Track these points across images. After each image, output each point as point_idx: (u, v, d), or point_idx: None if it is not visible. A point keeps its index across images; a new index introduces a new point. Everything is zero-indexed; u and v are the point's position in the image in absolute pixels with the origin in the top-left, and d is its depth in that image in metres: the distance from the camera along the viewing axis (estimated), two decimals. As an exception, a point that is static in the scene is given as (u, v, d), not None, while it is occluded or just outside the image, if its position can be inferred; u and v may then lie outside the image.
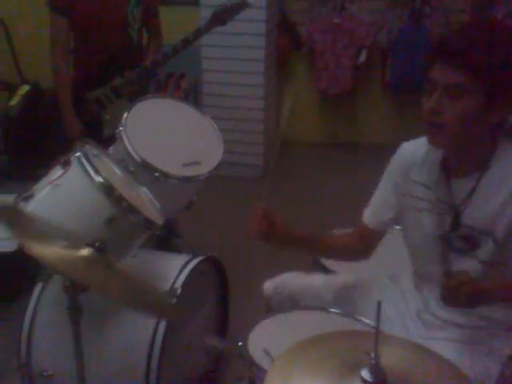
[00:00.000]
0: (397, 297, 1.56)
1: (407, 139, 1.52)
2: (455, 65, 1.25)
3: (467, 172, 1.35)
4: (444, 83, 1.27)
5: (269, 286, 1.65)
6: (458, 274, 1.32)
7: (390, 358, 0.93)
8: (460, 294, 1.29)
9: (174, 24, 3.38)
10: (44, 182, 1.65)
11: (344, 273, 1.70)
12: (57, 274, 1.20)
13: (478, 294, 1.30)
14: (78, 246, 1.18)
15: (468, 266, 1.38)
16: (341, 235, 1.68)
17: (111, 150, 2.01)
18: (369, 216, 1.57)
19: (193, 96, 3.83)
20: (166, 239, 2.55)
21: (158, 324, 1.54)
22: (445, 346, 1.34)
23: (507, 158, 1.33)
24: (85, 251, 1.17)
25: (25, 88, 3.68)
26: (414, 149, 1.45)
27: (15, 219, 1.25)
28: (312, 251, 1.71)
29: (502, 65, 1.24)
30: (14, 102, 3.62)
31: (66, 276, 1.18)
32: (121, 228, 1.54)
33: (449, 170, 1.39)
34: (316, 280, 1.63)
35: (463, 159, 1.36)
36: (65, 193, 1.59)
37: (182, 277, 1.66)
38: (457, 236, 1.37)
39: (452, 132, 1.29)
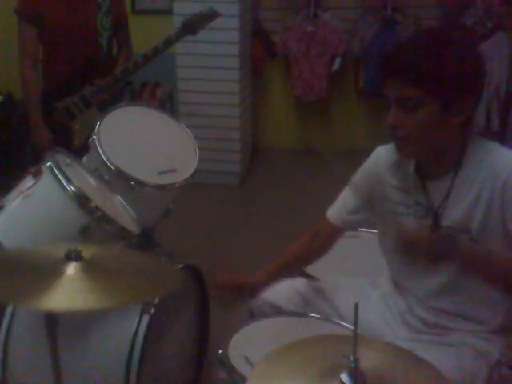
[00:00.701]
0: (378, 301, 1.56)
1: (382, 144, 1.53)
2: (403, 79, 1.27)
3: (441, 174, 1.37)
4: (396, 98, 1.29)
5: None
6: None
7: (370, 361, 0.93)
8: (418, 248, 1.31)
9: (147, 33, 3.37)
10: (15, 192, 1.62)
11: (324, 278, 1.70)
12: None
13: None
14: (56, 267, 1.14)
15: (445, 266, 1.38)
16: (294, 246, 1.68)
17: (85, 159, 1.99)
18: (334, 212, 1.59)
19: (169, 105, 3.82)
20: (143, 248, 2.53)
21: (136, 333, 1.51)
22: (431, 349, 1.34)
23: (478, 155, 1.34)
24: (68, 269, 1.13)
25: (-3, 98, 3.63)
26: (388, 153, 1.46)
27: None
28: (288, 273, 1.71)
29: (451, 74, 1.25)
30: (-14, 112, 3.56)
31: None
32: (96, 238, 1.52)
33: (423, 173, 1.40)
34: (296, 286, 1.63)
35: (436, 162, 1.38)
36: (36, 203, 1.57)
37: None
38: (436, 238, 1.37)
39: (415, 142, 1.32)
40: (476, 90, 1.31)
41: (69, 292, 1.10)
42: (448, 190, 1.35)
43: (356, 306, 0.90)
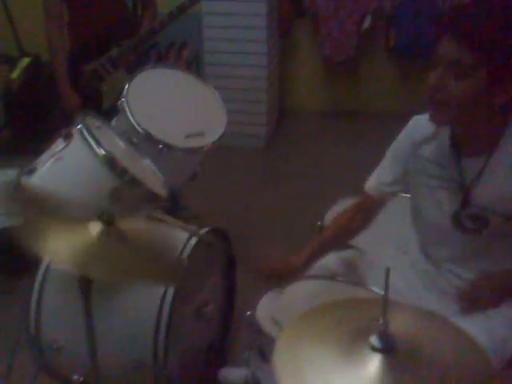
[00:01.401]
0: (406, 268, 1.55)
1: (412, 107, 1.48)
2: (463, 43, 1.21)
3: (477, 151, 1.33)
4: (449, 60, 1.24)
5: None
6: (473, 285, 1.36)
7: (400, 324, 0.93)
8: (479, 303, 1.35)
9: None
10: (46, 155, 1.64)
11: (355, 243, 1.70)
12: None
13: (498, 293, 1.35)
14: (86, 221, 1.16)
15: (477, 245, 1.39)
16: (334, 226, 1.65)
17: (114, 121, 1.99)
18: (373, 185, 1.56)
19: (195, 65, 3.79)
20: (171, 211, 2.55)
21: (164, 295, 1.54)
22: (460, 315, 1.35)
23: None
24: (95, 227, 1.15)
25: (25, 61, 3.64)
26: (425, 123, 1.39)
27: (21, 196, 1.23)
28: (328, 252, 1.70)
29: (509, 45, 1.20)
30: (15, 75, 3.58)
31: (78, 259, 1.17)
32: (125, 200, 1.53)
33: (459, 147, 1.36)
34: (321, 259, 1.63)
35: (472, 138, 1.34)
36: (67, 166, 1.59)
37: (188, 248, 1.66)
38: (467, 215, 1.37)
39: (452, 111, 1.27)
40: None
41: (101, 258, 1.11)
42: (481, 169, 1.32)
43: (387, 271, 0.89)
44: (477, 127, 1.31)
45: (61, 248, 1.12)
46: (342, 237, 1.64)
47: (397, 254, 1.60)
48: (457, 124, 1.34)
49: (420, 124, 1.44)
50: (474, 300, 1.39)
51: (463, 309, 1.39)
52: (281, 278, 1.54)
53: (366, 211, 1.60)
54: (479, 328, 1.30)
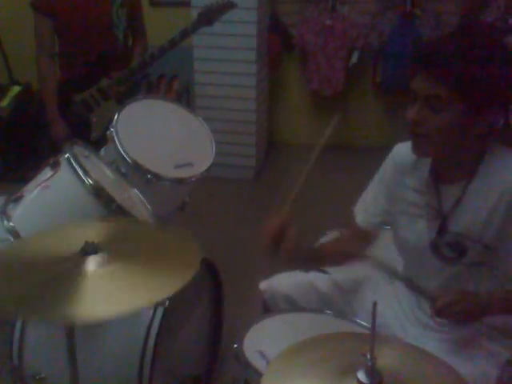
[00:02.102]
0: (392, 298, 1.55)
1: (399, 140, 1.50)
2: (436, 77, 1.24)
3: (455, 179, 1.35)
4: (424, 95, 1.26)
5: (264, 286, 1.64)
6: (448, 295, 1.33)
7: (387, 359, 0.93)
8: (452, 313, 1.31)
9: (165, 25, 3.36)
10: (34, 183, 1.64)
11: (338, 272, 1.69)
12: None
13: (473, 309, 1.32)
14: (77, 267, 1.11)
15: (455, 273, 1.38)
16: (335, 242, 1.65)
17: (103, 151, 1.99)
18: (361, 217, 1.56)
19: (185, 97, 3.82)
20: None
21: (150, 326, 1.52)
22: (443, 348, 1.34)
23: (494, 166, 1.32)
24: (86, 263, 1.10)
25: (16, 89, 3.66)
26: (407, 152, 1.42)
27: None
28: (317, 264, 1.69)
29: (483, 78, 1.22)
30: (5, 102, 3.59)
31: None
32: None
33: (438, 175, 1.38)
34: (311, 279, 1.62)
35: (450, 167, 1.36)
36: (54, 194, 1.58)
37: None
38: (445, 243, 1.37)
39: (433, 143, 1.29)
40: (505, 101, 1.28)
41: (88, 296, 1.04)
42: (459, 197, 1.34)
43: (374, 305, 0.89)
44: (456, 156, 1.33)
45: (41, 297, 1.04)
46: (340, 259, 1.62)
47: (384, 284, 1.60)
48: (437, 154, 1.35)
49: (402, 152, 1.46)
50: (446, 312, 1.35)
51: (436, 320, 1.37)
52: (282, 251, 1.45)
53: (362, 239, 1.59)
54: (463, 360, 1.30)
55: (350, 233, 1.61)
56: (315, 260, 1.60)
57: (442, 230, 1.37)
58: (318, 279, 1.62)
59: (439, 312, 1.33)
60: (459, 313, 1.32)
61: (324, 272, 1.71)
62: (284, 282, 1.62)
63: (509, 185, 1.29)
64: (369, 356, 0.89)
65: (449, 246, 1.37)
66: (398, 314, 1.52)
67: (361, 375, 0.89)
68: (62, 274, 1.09)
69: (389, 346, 1.00)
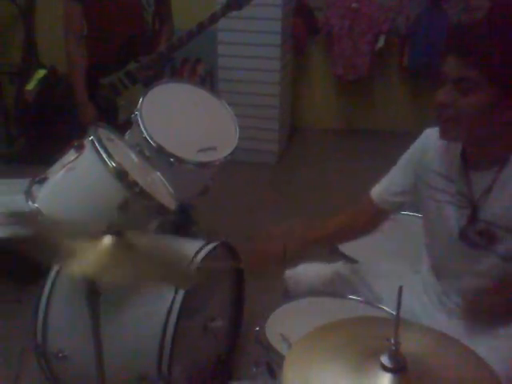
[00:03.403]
0: (418, 286, 1.54)
1: (424, 126, 1.48)
2: (466, 58, 1.22)
3: (486, 166, 1.32)
4: (454, 77, 1.25)
5: (289, 274, 1.64)
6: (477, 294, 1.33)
7: (411, 344, 0.92)
8: (482, 313, 1.32)
9: (190, 9, 3.36)
10: (58, 165, 1.65)
11: (364, 261, 1.68)
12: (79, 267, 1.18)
13: (501, 307, 1.31)
14: (96, 236, 1.16)
15: (486, 261, 1.36)
16: (336, 220, 1.64)
17: (127, 134, 2.00)
18: (378, 192, 1.54)
19: (209, 81, 3.81)
20: (183, 226, 2.55)
21: (171, 308, 1.54)
22: (469, 335, 1.32)
23: None
24: (106, 239, 1.15)
25: (41, 72, 3.69)
26: (436, 137, 1.39)
27: (31, 224, 1.23)
28: (324, 246, 1.70)
29: None
30: (31, 86, 3.62)
31: (90, 268, 1.17)
32: (133, 212, 1.54)
33: (468, 162, 1.36)
34: (336, 269, 1.62)
35: (482, 153, 1.33)
36: (78, 176, 1.59)
37: (196, 262, 1.65)
38: (474, 231, 1.35)
39: (461, 127, 1.27)
40: None
41: (109, 261, 1.11)
42: (491, 184, 1.31)
43: (400, 289, 0.88)
44: (487, 142, 1.31)
45: (73, 256, 1.11)
46: (343, 234, 1.63)
47: (409, 273, 1.59)
48: (467, 139, 1.33)
49: (431, 137, 1.43)
50: (475, 313, 1.36)
51: (467, 323, 1.36)
52: (269, 263, 1.54)
53: (368, 217, 1.58)
54: (489, 348, 1.27)
55: (358, 207, 1.59)
56: (319, 245, 1.60)
57: (472, 217, 1.34)
58: (342, 269, 1.61)
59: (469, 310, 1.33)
60: (488, 312, 1.32)
61: (351, 261, 1.70)
62: (309, 271, 1.62)
63: None
64: (393, 340, 0.88)
65: (478, 235, 1.35)
66: (424, 301, 1.51)
67: (384, 359, 0.88)
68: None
69: (413, 331, 0.99)
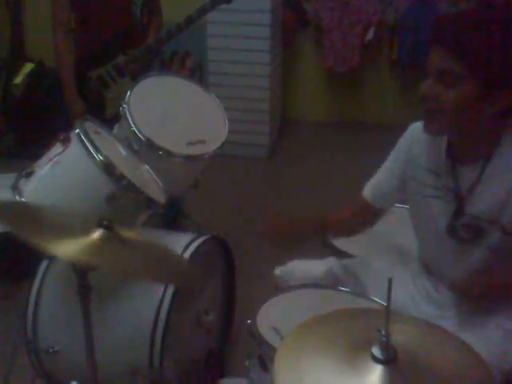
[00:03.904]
0: (407, 279, 1.54)
1: (414, 118, 1.46)
2: (450, 52, 1.21)
3: (472, 160, 1.32)
4: (437, 69, 1.24)
5: (278, 271, 1.63)
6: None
7: (401, 335, 0.92)
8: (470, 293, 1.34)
9: (179, 1, 3.33)
10: (45, 159, 1.64)
11: (357, 254, 1.68)
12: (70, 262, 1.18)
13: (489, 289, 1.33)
14: (86, 230, 1.15)
15: (474, 255, 1.37)
16: (339, 212, 1.65)
17: (116, 128, 1.98)
18: (370, 191, 1.55)
19: (198, 74, 3.79)
20: (173, 219, 2.54)
21: (162, 301, 1.53)
22: (458, 326, 1.34)
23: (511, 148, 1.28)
24: (96, 233, 1.14)
25: (29, 66, 3.65)
26: (420, 134, 1.39)
27: (17, 216, 1.22)
28: (320, 237, 1.70)
29: (497, 55, 1.19)
30: (18, 80, 3.59)
31: (81, 262, 1.16)
32: (122, 205, 1.52)
33: (455, 156, 1.35)
34: (327, 265, 1.62)
35: (467, 147, 1.33)
36: (64, 170, 1.58)
37: (187, 255, 1.65)
38: (461, 225, 1.35)
39: (444, 119, 1.26)
40: None
41: (99, 253, 1.10)
42: (476, 178, 1.31)
43: (390, 281, 0.88)
44: (472, 136, 1.30)
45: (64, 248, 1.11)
46: (341, 230, 1.64)
47: (399, 266, 1.59)
48: (451, 133, 1.33)
49: (417, 132, 1.42)
50: (466, 290, 1.38)
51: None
52: (285, 241, 1.56)
53: (365, 215, 1.59)
54: (479, 340, 1.28)
55: (356, 208, 1.60)
56: (316, 236, 1.62)
57: (458, 212, 1.34)
58: (333, 265, 1.61)
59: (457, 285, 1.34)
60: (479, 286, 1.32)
61: (343, 255, 1.70)
62: (299, 267, 1.62)
63: None
64: (383, 332, 0.88)
65: (465, 229, 1.35)
66: (413, 293, 1.51)
67: (375, 351, 0.88)
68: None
69: (403, 322, 0.99)
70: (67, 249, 1.08)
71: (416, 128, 1.44)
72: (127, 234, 1.20)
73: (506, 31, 1.20)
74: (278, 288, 1.60)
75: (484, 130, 1.28)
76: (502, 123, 1.29)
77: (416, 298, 1.50)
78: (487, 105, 1.23)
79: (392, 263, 1.61)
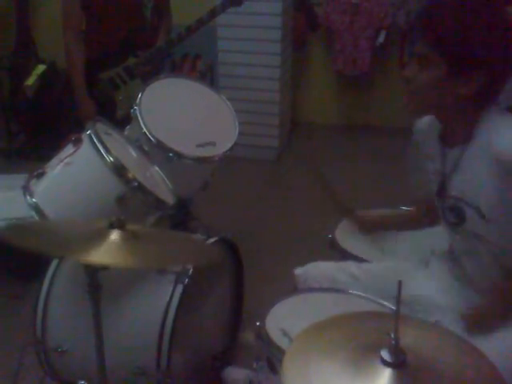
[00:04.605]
0: (425, 280, 1.54)
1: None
2: (421, 35, 1.30)
3: (456, 143, 1.37)
4: (416, 53, 1.32)
5: (299, 272, 1.65)
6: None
7: (411, 339, 0.91)
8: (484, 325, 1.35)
9: (190, 4, 3.35)
10: (56, 159, 1.65)
11: (373, 259, 1.69)
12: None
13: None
14: (99, 232, 1.16)
15: (460, 240, 1.41)
16: (403, 213, 1.78)
17: (127, 129, 2.00)
18: (416, 194, 1.60)
19: (208, 77, 3.80)
20: (182, 221, 2.55)
21: (169, 303, 1.54)
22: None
23: (490, 129, 1.30)
24: (111, 235, 1.15)
25: (41, 68, 3.68)
26: (423, 122, 1.48)
27: (31, 233, 1.23)
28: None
29: (468, 37, 1.24)
30: (31, 81, 3.61)
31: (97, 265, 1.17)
32: (132, 207, 1.53)
33: (445, 140, 1.41)
34: (345, 269, 1.62)
35: (452, 130, 1.38)
36: (75, 171, 1.59)
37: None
38: (447, 208, 1.39)
39: (419, 100, 1.34)
40: (488, 64, 1.26)
41: (111, 253, 1.12)
42: (457, 160, 1.35)
43: (399, 284, 0.88)
44: (454, 118, 1.35)
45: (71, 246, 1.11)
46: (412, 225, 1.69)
47: (419, 268, 1.59)
48: (433, 115, 1.39)
49: (420, 124, 1.50)
50: (478, 323, 1.38)
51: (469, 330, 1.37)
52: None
53: (428, 213, 1.60)
54: (490, 344, 1.27)
55: (418, 208, 1.66)
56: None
57: (441, 192, 1.39)
58: (352, 268, 1.62)
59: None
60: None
61: (362, 260, 1.70)
62: (319, 269, 1.63)
63: (498, 149, 1.27)
64: (393, 335, 0.88)
65: (450, 211, 1.39)
66: (435, 296, 1.50)
67: (384, 354, 0.88)
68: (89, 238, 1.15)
69: (413, 326, 0.98)
70: (84, 254, 1.09)
71: (419, 122, 1.51)
72: (139, 230, 1.21)
73: (473, 14, 1.26)
74: (297, 288, 1.61)
75: (464, 111, 1.32)
76: (481, 104, 1.32)
77: (434, 296, 1.50)
78: (460, 86, 1.28)
79: (412, 266, 1.61)
